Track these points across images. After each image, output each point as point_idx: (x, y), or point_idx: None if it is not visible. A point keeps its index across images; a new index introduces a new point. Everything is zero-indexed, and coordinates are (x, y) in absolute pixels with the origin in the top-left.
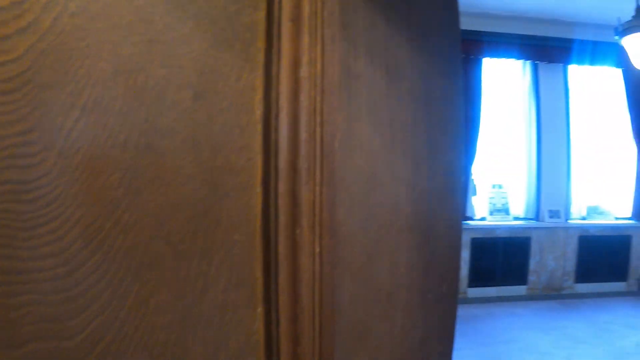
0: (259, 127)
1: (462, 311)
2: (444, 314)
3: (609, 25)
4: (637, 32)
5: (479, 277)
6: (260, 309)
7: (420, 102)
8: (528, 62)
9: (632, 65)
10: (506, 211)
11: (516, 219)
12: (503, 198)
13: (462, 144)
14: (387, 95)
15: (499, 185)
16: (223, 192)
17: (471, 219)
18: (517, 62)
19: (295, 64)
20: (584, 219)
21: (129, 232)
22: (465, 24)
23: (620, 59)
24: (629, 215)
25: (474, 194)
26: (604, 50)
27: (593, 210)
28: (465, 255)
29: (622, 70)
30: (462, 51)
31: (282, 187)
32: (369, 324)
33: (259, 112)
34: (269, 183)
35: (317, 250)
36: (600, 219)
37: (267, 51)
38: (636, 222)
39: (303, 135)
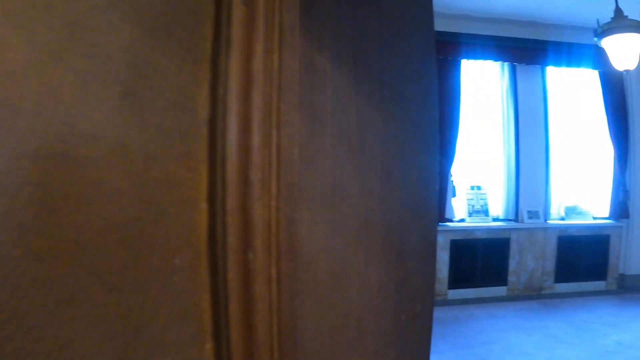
0: (204, 131)
1: (442, 313)
2: (419, 334)
3: (586, 27)
4: (616, 33)
5: (459, 279)
6: (209, 346)
7: (391, 104)
8: (506, 64)
9: (609, 67)
10: (485, 212)
11: (495, 220)
12: (482, 199)
13: (437, 152)
14: (355, 94)
15: (477, 186)
16: (160, 210)
17: (450, 220)
18: (495, 63)
19: (248, 55)
20: (562, 219)
21: (43, 262)
22: (444, 25)
23: (597, 60)
24: (607, 215)
25: (453, 195)
26: (581, 52)
27: (571, 211)
28: (445, 257)
29: (599, 72)
30: (440, 53)
31: (231, 202)
32: (337, 355)
33: (203, 112)
34: (215, 198)
35: (274, 275)
36: (579, 219)
37: (214, 40)
38: (614, 222)
39: (256, 139)
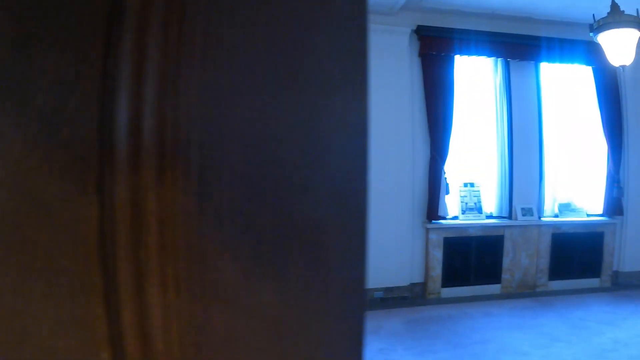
0: (94, 112)
1: (436, 312)
2: (350, 335)
3: (580, 23)
4: (612, 28)
5: (452, 277)
6: (105, 355)
7: (315, 87)
8: (499, 60)
9: (603, 63)
10: (479, 210)
11: (489, 217)
12: (475, 196)
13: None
14: (273, 74)
15: (471, 183)
16: (42, 203)
17: (444, 218)
18: (489, 59)
19: (144, 25)
20: (556, 216)
21: None
22: (436, 21)
23: (591, 57)
24: (601, 212)
25: (447, 192)
26: (575, 48)
27: (565, 208)
28: (439, 255)
29: (593, 69)
30: (433, 49)
31: (120, 193)
32: None
33: (94, 92)
34: (105, 189)
35: (171, 277)
36: (573, 216)
37: (109, 10)
38: (608, 219)
39: (149, 121)
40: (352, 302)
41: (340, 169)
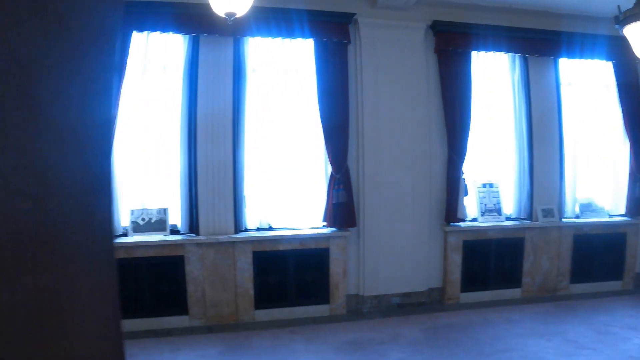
0: None
1: (456, 318)
2: (110, 338)
3: (600, 17)
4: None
5: (471, 281)
6: None
7: (49, 99)
8: (517, 56)
9: (623, 58)
10: (498, 211)
11: (508, 219)
12: (494, 197)
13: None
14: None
15: (490, 184)
16: None
17: (463, 220)
18: (506, 55)
19: None
20: (577, 217)
21: None
22: (453, 15)
23: (611, 52)
24: (623, 212)
25: (466, 194)
26: (594, 43)
27: (586, 208)
28: (458, 258)
29: (613, 64)
30: (450, 44)
31: None
32: None
33: None
34: None
35: None
36: (594, 217)
37: None
38: (630, 219)
39: None
40: (104, 307)
41: (80, 181)
